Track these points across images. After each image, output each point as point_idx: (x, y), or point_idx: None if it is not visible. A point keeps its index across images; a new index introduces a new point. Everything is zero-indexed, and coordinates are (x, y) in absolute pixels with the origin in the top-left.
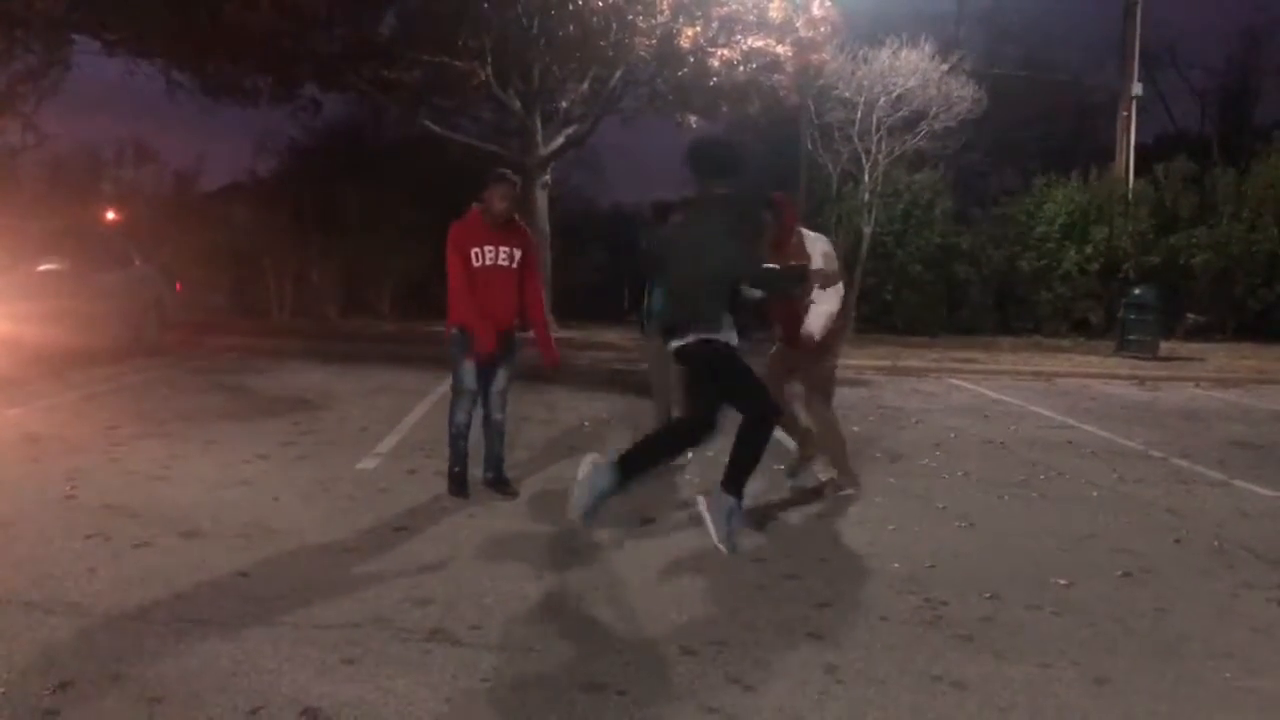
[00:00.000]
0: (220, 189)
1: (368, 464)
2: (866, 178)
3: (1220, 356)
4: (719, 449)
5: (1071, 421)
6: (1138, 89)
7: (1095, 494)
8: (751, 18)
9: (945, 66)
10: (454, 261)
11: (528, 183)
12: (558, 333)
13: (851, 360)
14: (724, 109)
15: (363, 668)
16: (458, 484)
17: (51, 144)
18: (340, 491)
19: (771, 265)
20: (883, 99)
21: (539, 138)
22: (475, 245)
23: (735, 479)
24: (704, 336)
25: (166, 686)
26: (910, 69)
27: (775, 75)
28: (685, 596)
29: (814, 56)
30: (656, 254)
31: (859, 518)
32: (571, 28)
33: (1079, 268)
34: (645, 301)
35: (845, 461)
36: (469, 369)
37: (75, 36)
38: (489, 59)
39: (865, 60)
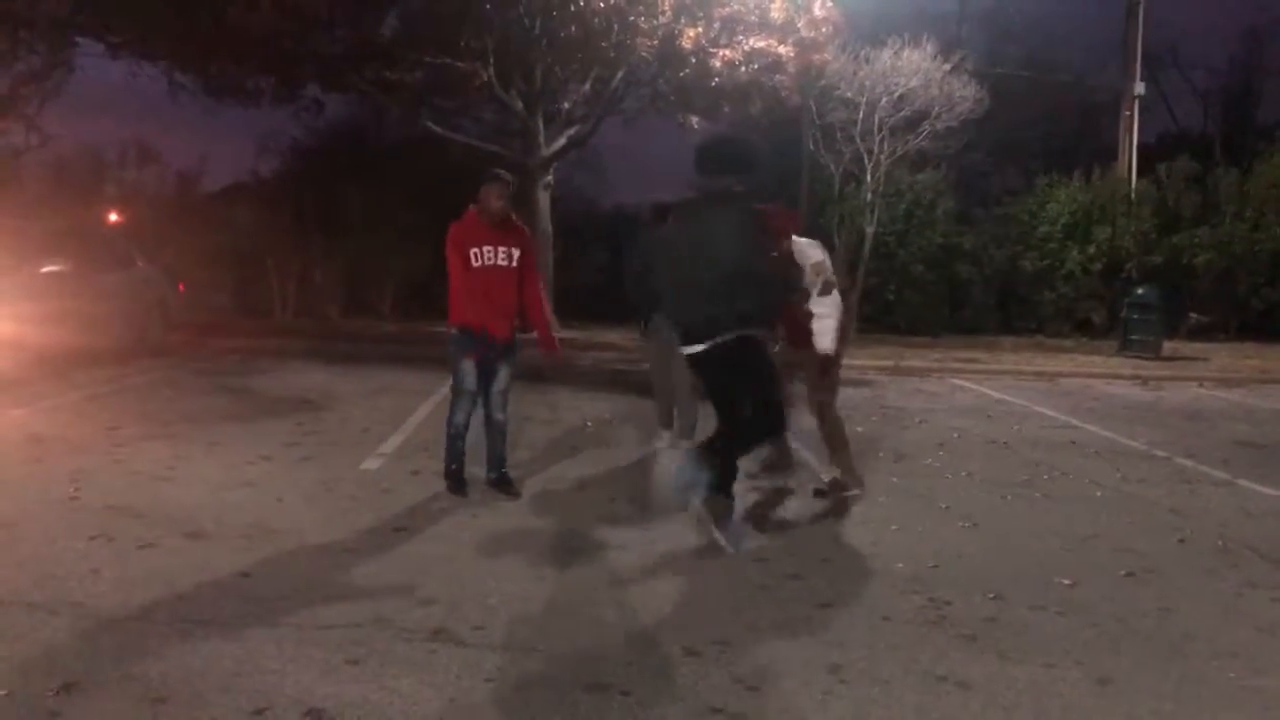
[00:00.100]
0: (223, 190)
1: (371, 465)
2: (869, 178)
3: (1223, 356)
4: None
5: (1075, 421)
6: (1140, 89)
7: (1099, 494)
8: (753, 18)
9: (947, 66)
10: (454, 262)
11: (530, 183)
12: (560, 333)
13: (854, 361)
14: (726, 110)
15: (367, 668)
16: (455, 482)
17: (54, 145)
18: (343, 492)
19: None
20: (885, 99)
21: (541, 138)
22: (474, 245)
23: (710, 450)
24: (743, 333)
25: (170, 687)
26: (912, 69)
27: (777, 76)
28: (688, 597)
29: (816, 57)
30: (660, 255)
31: (862, 517)
32: (573, 28)
33: (1082, 268)
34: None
35: (849, 461)
36: (469, 369)
37: (79, 39)
38: (491, 60)
39: (867, 60)
